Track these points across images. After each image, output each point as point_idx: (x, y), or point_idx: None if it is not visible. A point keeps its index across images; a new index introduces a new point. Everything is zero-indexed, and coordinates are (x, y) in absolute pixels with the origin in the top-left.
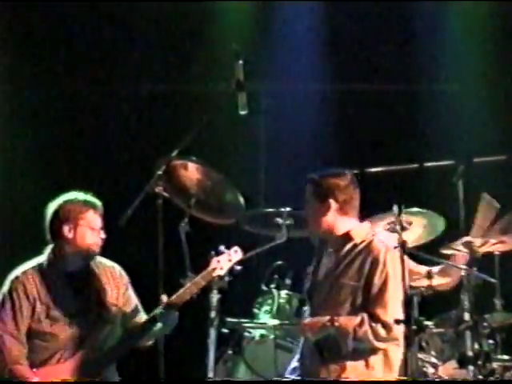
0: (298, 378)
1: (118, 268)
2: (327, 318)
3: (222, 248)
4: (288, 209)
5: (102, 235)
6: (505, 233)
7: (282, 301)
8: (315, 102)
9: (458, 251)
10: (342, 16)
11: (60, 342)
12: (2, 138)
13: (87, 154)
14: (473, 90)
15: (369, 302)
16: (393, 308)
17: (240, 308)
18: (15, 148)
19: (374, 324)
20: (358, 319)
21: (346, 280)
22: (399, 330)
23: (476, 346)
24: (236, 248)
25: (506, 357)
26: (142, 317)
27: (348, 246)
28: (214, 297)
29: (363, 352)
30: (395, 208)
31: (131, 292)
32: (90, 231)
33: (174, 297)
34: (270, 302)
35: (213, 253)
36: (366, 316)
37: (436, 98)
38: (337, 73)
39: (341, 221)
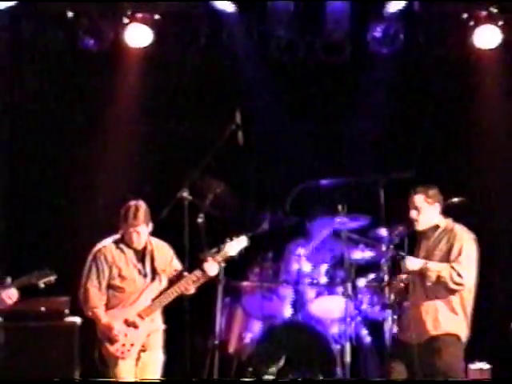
0: None
1: (165, 244)
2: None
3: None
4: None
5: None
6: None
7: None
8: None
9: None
10: None
11: (126, 294)
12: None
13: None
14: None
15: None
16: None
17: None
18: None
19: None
20: (442, 265)
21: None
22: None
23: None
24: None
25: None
26: (184, 276)
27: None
28: (222, 266)
29: (443, 290)
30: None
31: (175, 260)
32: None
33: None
34: None
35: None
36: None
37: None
38: None
39: None
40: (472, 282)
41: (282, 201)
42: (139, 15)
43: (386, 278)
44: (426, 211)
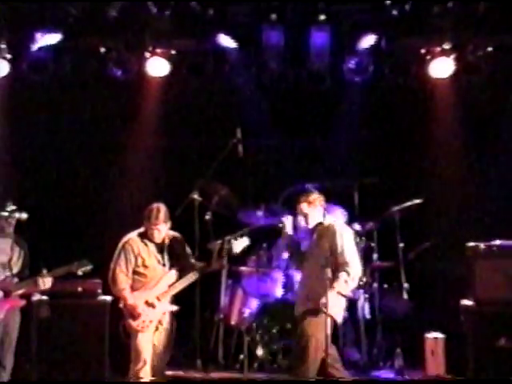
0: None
1: (179, 236)
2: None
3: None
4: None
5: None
6: None
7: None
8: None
9: None
10: None
11: (148, 279)
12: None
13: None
14: None
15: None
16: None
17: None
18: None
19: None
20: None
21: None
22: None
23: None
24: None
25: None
26: (194, 262)
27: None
28: (225, 258)
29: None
30: None
31: (188, 249)
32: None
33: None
34: None
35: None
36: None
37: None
38: None
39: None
40: (358, 267)
41: (274, 200)
42: (158, 50)
43: None
44: (311, 214)
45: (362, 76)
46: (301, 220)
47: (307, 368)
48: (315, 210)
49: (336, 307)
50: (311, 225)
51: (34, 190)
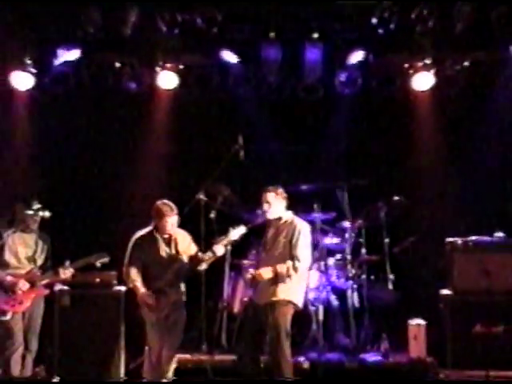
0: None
1: (185, 233)
2: (271, 268)
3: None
4: None
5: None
6: None
7: None
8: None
9: None
10: None
11: (158, 270)
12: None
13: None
14: None
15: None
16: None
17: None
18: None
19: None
20: (284, 266)
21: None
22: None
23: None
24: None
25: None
26: (200, 256)
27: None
28: (228, 249)
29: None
30: None
31: (193, 244)
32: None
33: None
34: None
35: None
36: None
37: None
38: None
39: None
40: (307, 262)
41: None
42: (168, 65)
43: (349, 257)
44: (275, 205)
45: (351, 88)
46: (264, 207)
47: (284, 351)
48: (279, 203)
49: (298, 295)
50: (272, 215)
51: (57, 191)
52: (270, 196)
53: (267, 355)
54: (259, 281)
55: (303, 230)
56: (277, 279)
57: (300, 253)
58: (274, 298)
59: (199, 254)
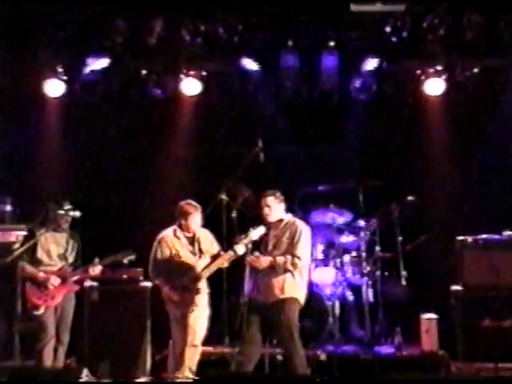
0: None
1: (207, 232)
2: (270, 258)
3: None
4: None
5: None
6: None
7: None
8: None
9: None
10: None
11: (182, 267)
12: None
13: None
14: None
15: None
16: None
17: None
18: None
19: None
20: (282, 259)
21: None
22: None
23: None
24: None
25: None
26: (222, 254)
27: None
28: (249, 248)
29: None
30: None
31: (215, 243)
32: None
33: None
34: None
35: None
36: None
37: None
38: None
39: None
40: (307, 261)
41: (290, 200)
42: (191, 72)
43: (364, 255)
44: (275, 208)
45: (366, 94)
46: (265, 211)
47: (298, 346)
48: (278, 206)
49: (302, 292)
50: (273, 218)
51: (87, 192)
52: (270, 200)
53: (281, 350)
54: (258, 268)
55: (304, 231)
56: (276, 275)
57: (300, 251)
58: (283, 296)
59: (221, 252)
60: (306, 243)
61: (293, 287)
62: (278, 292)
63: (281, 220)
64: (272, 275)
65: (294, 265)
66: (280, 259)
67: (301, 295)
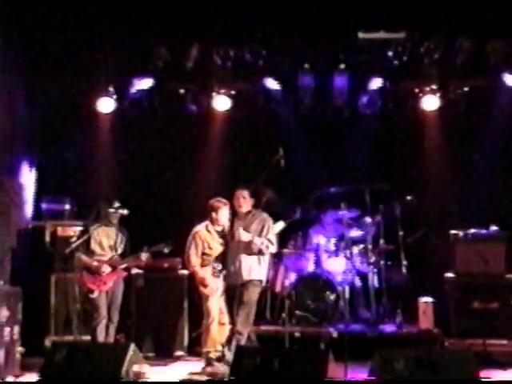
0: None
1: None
2: (251, 234)
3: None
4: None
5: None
6: None
7: None
8: None
9: None
10: None
11: (212, 257)
12: None
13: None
14: None
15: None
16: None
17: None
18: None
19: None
20: (260, 239)
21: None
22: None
23: None
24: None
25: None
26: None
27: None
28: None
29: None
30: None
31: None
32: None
33: None
34: None
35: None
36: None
37: None
38: None
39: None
40: (275, 249)
41: (306, 200)
42: (222, 90)
43: (370, 247)
44: (248, 201)
45: (372, 109)
46: (240, 201)
47: (251, 322)
48: (250, 200)
49: (263, 274)
50: (245, 209)
51: (133, 193)
52: (245, 193)
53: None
54: (237, 239)
55: (272, 223)
56: (247, 258)
57: (272, 238)
58: (248, 278)
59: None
60: (273, 233)
61: (258, 271)
62: (241, 273)
63: (249, 211)
64: (243, 260)
65: (267, 247)
66: (257, 239)
67: (263, 277)
